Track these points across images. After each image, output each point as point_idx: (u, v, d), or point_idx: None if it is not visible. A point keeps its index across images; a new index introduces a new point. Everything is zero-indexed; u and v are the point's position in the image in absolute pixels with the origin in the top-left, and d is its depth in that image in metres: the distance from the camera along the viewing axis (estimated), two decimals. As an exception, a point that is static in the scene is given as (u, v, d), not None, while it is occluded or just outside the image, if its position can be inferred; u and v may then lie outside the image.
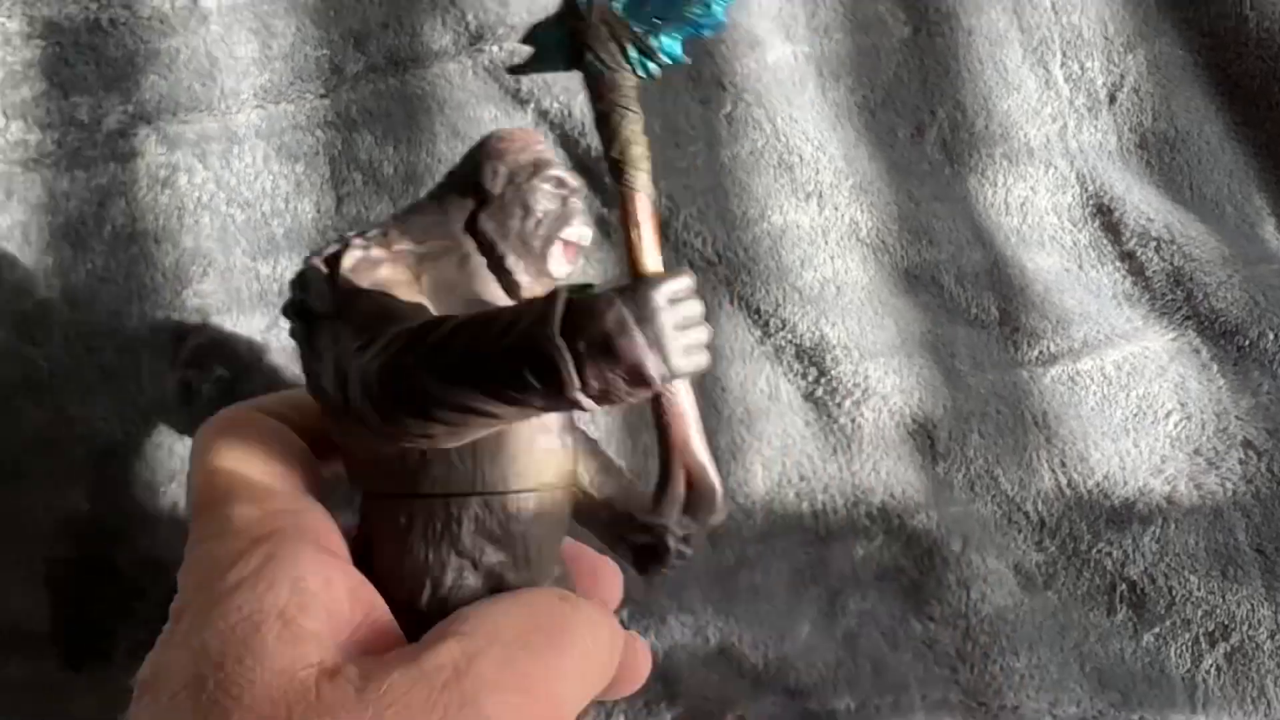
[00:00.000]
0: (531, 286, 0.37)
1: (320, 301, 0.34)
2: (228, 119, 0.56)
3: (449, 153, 0.56)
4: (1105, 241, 0.61)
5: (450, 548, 0.34)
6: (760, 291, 0.56)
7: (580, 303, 0.28)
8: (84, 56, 0.56)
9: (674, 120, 0.58)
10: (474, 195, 0.37)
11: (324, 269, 0.34)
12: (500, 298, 0.36)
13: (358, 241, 0.35)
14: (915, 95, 0.62)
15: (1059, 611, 0.53)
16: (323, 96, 0.57)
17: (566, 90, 0.57)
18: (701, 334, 0.29)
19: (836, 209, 0.59)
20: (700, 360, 0.29)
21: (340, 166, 0.56)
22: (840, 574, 0.54)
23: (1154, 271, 0.60)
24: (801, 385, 0.56)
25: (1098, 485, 0.55)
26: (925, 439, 0.56)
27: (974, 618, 0.53)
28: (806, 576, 0.53)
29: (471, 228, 0.36)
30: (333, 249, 0.35)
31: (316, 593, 0.31)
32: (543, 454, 0.35)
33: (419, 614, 0.33)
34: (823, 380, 0.56)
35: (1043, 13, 0.63)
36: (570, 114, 0.57)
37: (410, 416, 0.30)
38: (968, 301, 0.58)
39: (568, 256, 0.37)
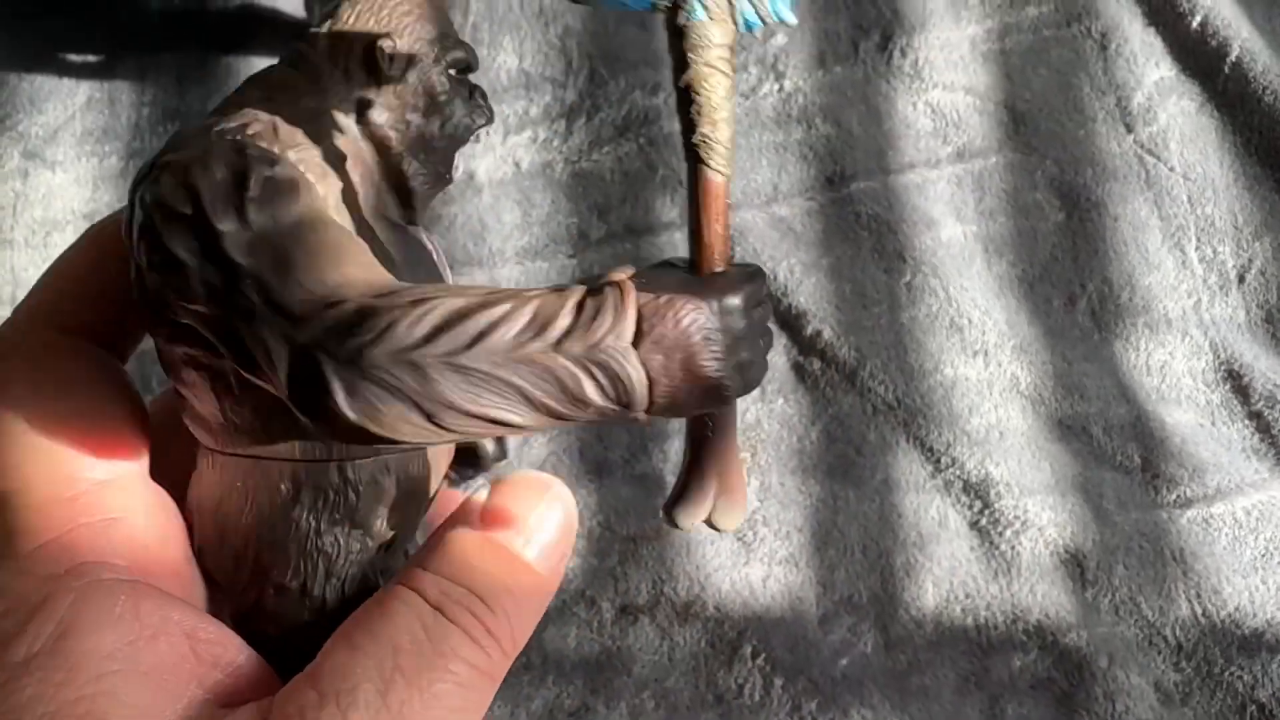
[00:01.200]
0: (424, 193, 0.31)
1: (232, 232, 0.24)
2: (494, 272, 0.68)
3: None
4: (1235, 402, 0.69)
5: (346, 519, 0.28)
6: (934, 433, 0.66)
7: (656, 309, 0.23)
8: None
9: (862, 286, 0.69)
10: (363, 74, 0.29)
11: (232, 186, 0.25)
12: (392, 209, 0.30)
13: (254, 151, 0.25)
14: (1068, 271, 0.72)
15: (1194, 727, 0.61)
16: (571, 256, 0.69)
17: (773, 258, 0.69)
18: (770, 341, 0.26)
19: (1000, 365, 0.69)
20: (765, 370, 0.26)
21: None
22: (1000, 682, 0.61)
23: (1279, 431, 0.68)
24: (968, 515, 0.65)
25: (1230, 615, 0.62)
26: (1076, 567, 0.64)
27: (1118, 728, 0.60)
28: (970, 682, 0.61)
29: (362, 117, 0.29)
30: (230, 152, 0.25)
31: (131, 669, 0.25)
32: None
33: (309, 600, 0.28)
34: (986, 512, 0.65)
35: (1180, 204, 0.73)
36: (775, 277, 0.68)
37: (409, 422, 0.23)
38: (1114, 449, 0.67)
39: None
